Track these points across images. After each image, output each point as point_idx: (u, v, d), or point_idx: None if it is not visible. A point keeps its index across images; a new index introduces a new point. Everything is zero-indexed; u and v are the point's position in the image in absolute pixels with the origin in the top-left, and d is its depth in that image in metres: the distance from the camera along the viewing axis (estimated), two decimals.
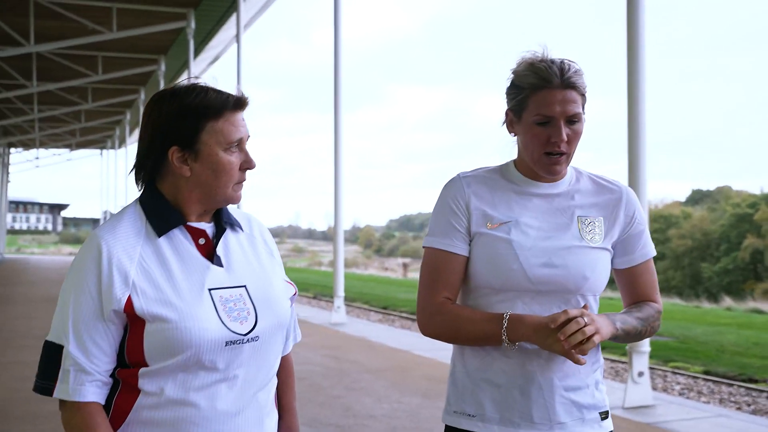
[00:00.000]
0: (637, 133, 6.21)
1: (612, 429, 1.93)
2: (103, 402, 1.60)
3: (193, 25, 20.09)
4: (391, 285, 31.37)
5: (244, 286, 1.67)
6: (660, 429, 5.53)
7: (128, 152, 40.45)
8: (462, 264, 1.90)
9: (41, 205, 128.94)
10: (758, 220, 49.18)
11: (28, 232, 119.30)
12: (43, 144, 44.63)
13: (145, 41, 22.23)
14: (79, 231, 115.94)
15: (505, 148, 1.98)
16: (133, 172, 1.71)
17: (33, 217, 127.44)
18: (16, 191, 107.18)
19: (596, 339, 1.72)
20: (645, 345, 6.16)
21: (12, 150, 47.97)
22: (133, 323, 1.57)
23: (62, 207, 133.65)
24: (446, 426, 1.93)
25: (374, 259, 75.01)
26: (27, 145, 45.76)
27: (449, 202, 1.92)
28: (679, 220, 53.79)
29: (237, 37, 16.44)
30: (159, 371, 1.57)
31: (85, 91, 29.05)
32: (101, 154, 49.97)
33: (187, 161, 1.64)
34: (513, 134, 1.93)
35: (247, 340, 1.62)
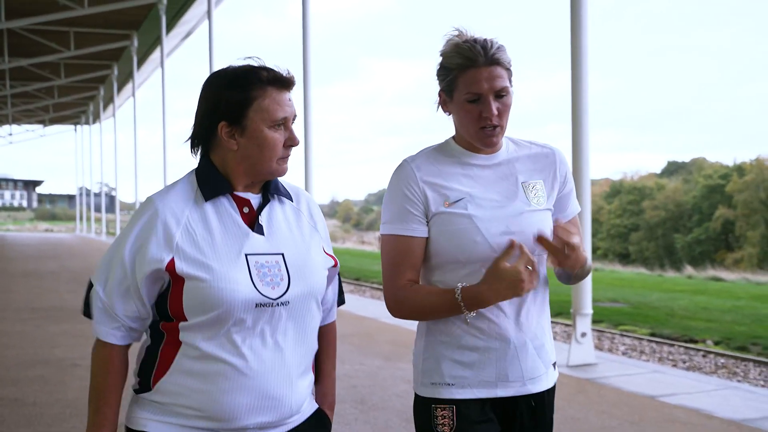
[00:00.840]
0: (579, 104, 6.53)
1: (557, 376, 2.10)
2: (125, 344, 1.77)
3: (165, 0, 20.15)
4: (366, 258, 31.79)
5: (282, 254, 1.77)
6: (597, 383, 5.99)
7: (102, 127, 40.24)
8: (422, 245, 1.97)
9: (15, 181, 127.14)
10: (729, 191, 49.93)
11: (3, 209, 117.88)
12: (17, 120, 44.21)
13: (117, 16, 22.19)
14: (54, 207, 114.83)
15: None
16: (189, 142, 1.82)
17: (7, 194, 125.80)
18: None
19: (577, 256, 1.89)
20: (588, 308, 6.62)
21: None
22: (174, 281, 1.70)
23: (37, 183, 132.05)
24: (422, 397, 2.00)
25: (353, 233, 75.25)
26: (0, 121, 45.38)
27: (402, 189, 1.98)
28: (653, 192, 54.33)
29: (208, 12, 16.50)
30: (196, 326, 1.69)
31: (58, 67, 28.91)
32: (75, 129, 49.53)
33: (234, 136, 1.74)
34: (447, 113, 2.02)
35: (278, 303, 1.72)
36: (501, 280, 1.81)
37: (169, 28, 22.95)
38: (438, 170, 1.98)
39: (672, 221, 52.88)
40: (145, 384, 1.76)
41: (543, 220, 1.98)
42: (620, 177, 61.16)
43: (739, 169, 52.02)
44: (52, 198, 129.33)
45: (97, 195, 51.98)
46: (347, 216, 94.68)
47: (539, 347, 1.99)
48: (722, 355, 9.96)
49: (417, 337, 2.06)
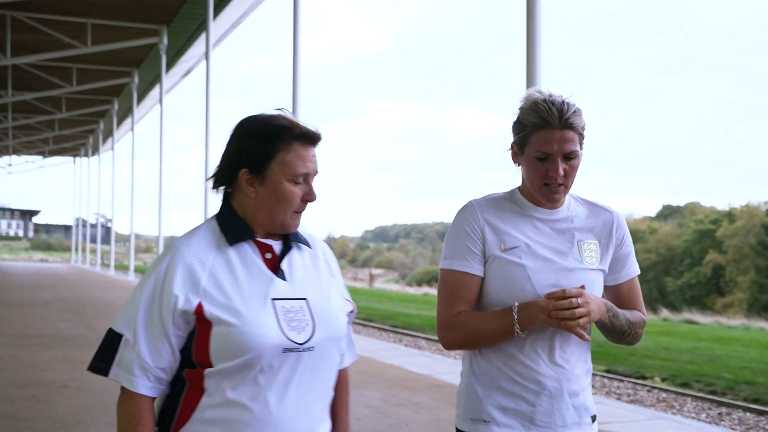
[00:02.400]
0: None
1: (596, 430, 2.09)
2: (154, 396, 1.72)
3: (165, 41, 20.85)
4: (356, 294, 32.20)
5: (305, 299, 1.77)
6: None
7: (101, 160, 40.89)
8: (478, 284, 2.03)
9: (12, 210, 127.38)
10: (720, 237, 50.41)
11: None
12: (17, 151, 44.89)
13: (119, 54, 22.91)
14: (50, 237, 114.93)
15: (517, 172, 2.12)
16: (212, 180, 1.83)
17: (4, 223, 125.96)
18: None
19: (582, 321, 1.88)
20: None
21: None
22: (201, 325, 1.67)
23: (33, 213, 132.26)
24: (459, 431, 2.06)
25: (348, 269, 75.44)
26: (0, 152, 46.00)
27: (465, 227, 2.04)
28: (645, 235, 54.76)
29: (206, 54, 17.11)
30: (222, 372, 1.66)
31: (60, 101, 29.62)
32: (74, 161, 50.23)
33: (254, 184, 1.75)
34: (517, 164, 2.08)
35: (304, 349, 1.71)
36: (532, 310, 1.91)
37: (169, 66, 23.66)
38: (499, 215, 2.05)
39: (663, 265, 53.21)
40: None
41: (593, 280, 2.03)
42: None
43: (730, 215, 52.59)
44: (48, 228, 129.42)
45: (93, 226, 52.41)
46: (343, 252, 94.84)
47: (574, 395, 2.00)
48: (664, 390, 10.37)
49: (461, 375, 2.12)
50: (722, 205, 57.32)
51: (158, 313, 1.68)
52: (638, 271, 2.15)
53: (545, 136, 1.96)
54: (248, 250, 1.77)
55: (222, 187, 1.82)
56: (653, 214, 67.22)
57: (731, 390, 10.44)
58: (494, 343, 1.99)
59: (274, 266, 1.78)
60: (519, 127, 2.03)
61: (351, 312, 1.92)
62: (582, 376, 2.04)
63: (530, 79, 6.56)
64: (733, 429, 8.14)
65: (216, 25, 18.64)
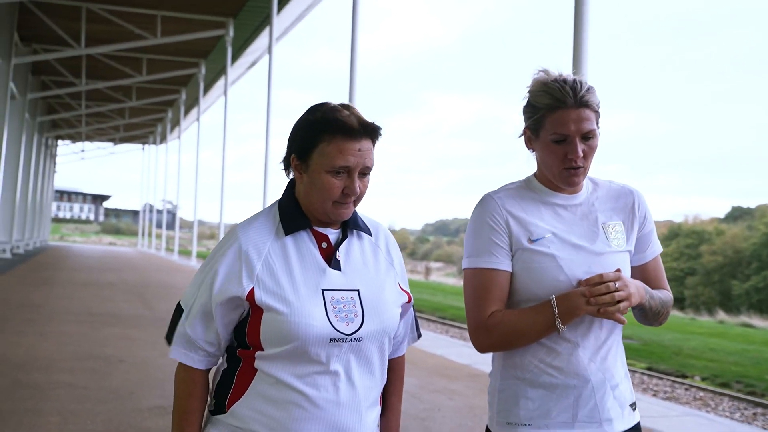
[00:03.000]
0: None
1: (639, 419, 2.02)
2: (205, 368, 1.81)
3: (231, 33, 21.39)
4: (410, 286, 32.32)
5: (357, 290, 1.78)
6: None
7: (168, 148, 42.06)
8: (508, 279, 1.92)
9: (84, 195, 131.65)
10: None
11: (72, 221, 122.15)
12: (89, 137, 46.51)
13: (186, 46, 23.60)
14: (119, 222, 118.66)
15: (528, 160, 2.04)
16: (282, 163, 1.87)
17: (77, 207, 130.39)
18: (61, 181, 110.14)
19: (624, 305, 1.80)
20: None
21: (59, 142, 49.98)
22: (253, 310, 1.74)
23: (104, 198, 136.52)
24: None
25: (407, 261, 75.68)
26: (74, 138, 47.70)
27: (488, 221, 1.94)
28: (712, 237, 53.40)
29: (269, 48, 17.54)
30: (272, 356, 1.73)
31: (130, 90, 30.63)
32: (143, 148, 51.74)
33: (300, 170, 1.80)
34: (531, 150, 2.00)
35: (351, 339, 1.74)
36: (571, 301, 1.84)
37: (235, 58, 24.24)
38: (521, 205, 1.96)
39: (730, 267, 51.83)
40: (220, 406, 1.80)
41: (623, 262, 1.96)
42: (682, 219, 60.30)
43: None
44: (117, 213, 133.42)
45: (160, 212, 53.91)
46: (403, 245, 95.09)
47: (615, 387, 1.93)
48: (702, 389, 10.32)
49: (492, 374, 2.02)
50: None
51: (210, 294, 1.75)
52: (661, 249, 2.08)
53: (561, 116, 1.87)
54: (305, 238, 1.80)
55: (287, 171, 1.86)
56: (722, 216, 65.71)
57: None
58: (534, 340, 1.89)
59: (329, 256, 1.80)
60: (531, 110, 1.93)
61: (408, 302, 1.91)
62: (621, 366, 1.97)
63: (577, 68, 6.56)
64: (764, 429, 8.08)
65: (280, 19, 19.03)
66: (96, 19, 20.46)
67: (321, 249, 1.80)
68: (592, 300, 1.80)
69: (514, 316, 1.89)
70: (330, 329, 1.71)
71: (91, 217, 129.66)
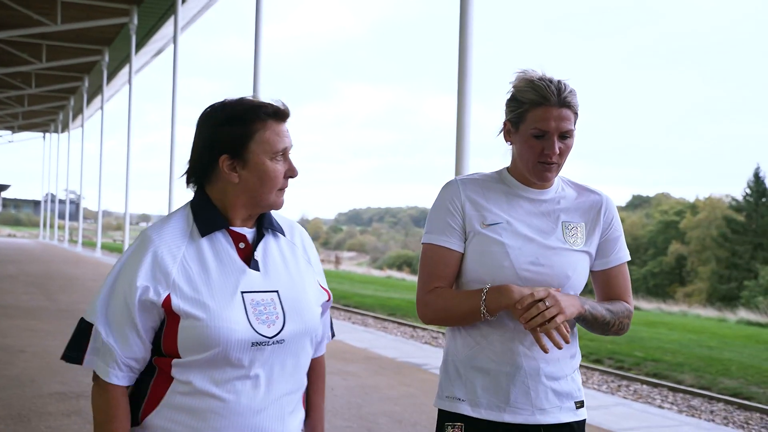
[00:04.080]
0: (462, 133, 6.85)
1: (586, 417, 2.06)
2: (127, 384, 1.70)
3: (135, 21, 21.04)
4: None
5: (276, 291, 1.74)
6: None
7: (71, 136, 40.88)
8: (456, 259, 2.01)
9: None
10: (683, 228, 51.44)
11: None
12: None
13: (89, 33, 23.04)
14: (19, 212, 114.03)
15: (505, 154, 2.10)
16: (185, 176, 1.80)
17: None
18: None
19: (559, 319, 1.83)
20: None
21: None
22: (170, 317, 1.66)
23: (2, 188, 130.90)
24: (439, 410, 2.04)
25: (320, 251, 75.77)
26: None
27: (446, 203, 2.04)
28: None
29: (174, 37, 17.44)
30: (190, 364, 1.66)
31: (29, 77, 29.61)
32: (44, 137, 50.03)
33: (236, 169, 1.72)
34: (509, 143, 2.06)
35: (273, 342, 1.69)
36: (502, 296, 1.88)
37: (140, 46, 23.82)
38: (483, 193, 2.04)
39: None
40: (132, 419, 1.72)
41: (577, 261, 2.00)
42: None
43: (693, 207, 53.64)
44: (17, 203, 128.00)
45: (62, 202, 52.30)
46: (316, 234, 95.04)
47: (554, 379, 1.97)
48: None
49: (443, 352, 2.10)
50: (692, 197, 58.37)
51: (126, 304, 1.66)
52: (628, 257, 2.11)
53: (543, 113, 1.94)
54: (221, 239, 1.74)
55: (192, 182, 1.79)
56: (623, 204, 68.29)
57: (636, 366, 11.24)
58: (465, 322, 1.98)
59: (247, 256, 1.75)
60: (514, 104, 2.00)
61: (327, 301, 1.90)
62: (564, 360, 2.00)
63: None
64: (625, 398, 8.80)
65: (186, 7, 18.86)
66: None
67: (239, 249, 1.75)
68: (526, 326, 1.84)
69: (449, 294, 1.99)
70: (252, 333, 1.67)
71: None
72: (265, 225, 1.82)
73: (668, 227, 53.39)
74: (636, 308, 22.60)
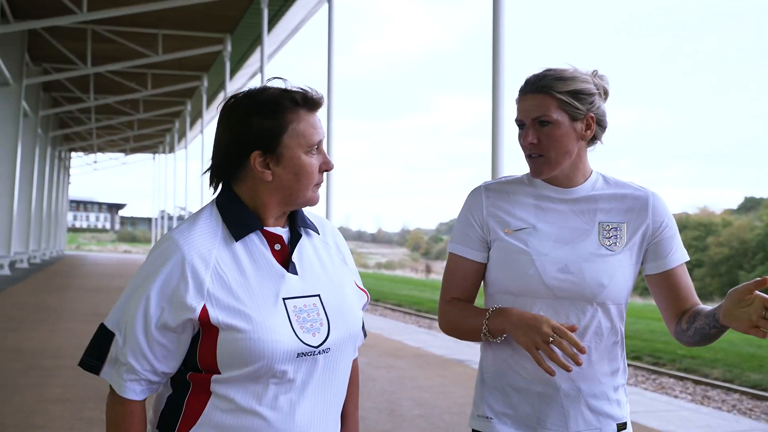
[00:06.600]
0: (497, 137, 7.24)
1: None
2: (143, 398, 1.58)
3: (229, 48, 22.60)
4: (407, 284, 33.41)
5: (318, 296, 1.62)
6: None
7: (177, 156, 43.22)
8: (475, 269, 1.92)
9: (100, 204, 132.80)
10: None
11: (88, 230, 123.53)
12: (101, 149, 47.92)
13: (188, 61, 24.81)
14: (135, 230, 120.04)
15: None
16: (208, 173, 1.64)
17: (93, 216, 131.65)
18: (76, 191, 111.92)
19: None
20: None
21: (73, 154, 51.46)
22: (206, 330, 1.52)
23: (120, 206, 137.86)
24: (472, 430, 1.93)
25: (421, 261, 76.40)
26: (86, 150, 49.13)
27: (467, 213, 1.94)
28: (719, 228, 53.92)
29: (261, 68, 18.68)
30: (231, 379, 1.53)
31: (137, 103, 31.91)
32: (153, 158, 53.21)
33: (269, 165, 1.58)
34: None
35: (319, 351, 1.57)
36: (519, 328, 1.73)
37: (234, 71, 25.38)
38: (509, 198, 1.91)
39: (736, 258, 52.25)
40: None
41: (615, 267, 1.83)
42: (695, 211, 60.79)
43: None
44: (133, 221, 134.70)
45: (170, 219, 55.26)
46: (417, 245, 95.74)
47: (594, 398, 1.82)
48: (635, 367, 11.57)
49: (478, 369, 1.99)
50: None
51: (158, 317, 1.52)
52: (686, 257, 1.91)
53: (519, 103, 1.87)
54: (256, 242, 1.60)
55: (221, 180, 1.64)
56: (735, 207, 65.78)
57: (672, 362, 11.68)
58: (472, 339, 1.89)
59: (284, 259, 1.62)
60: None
61: (366, 302, 1.80)
62: (606, 377, 1.84)
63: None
64: (645, 389, 9.24)
65: (274, 34, 20.24)
66: (101, 39, 21.67)
67: (274, 251, 1.62)
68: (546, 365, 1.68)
69: (459, 308, 1.91)
70: (297, 343, 1.54)
71: (108, 225, 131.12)
72: (298, 223, 1.68)
73: None
74: None
